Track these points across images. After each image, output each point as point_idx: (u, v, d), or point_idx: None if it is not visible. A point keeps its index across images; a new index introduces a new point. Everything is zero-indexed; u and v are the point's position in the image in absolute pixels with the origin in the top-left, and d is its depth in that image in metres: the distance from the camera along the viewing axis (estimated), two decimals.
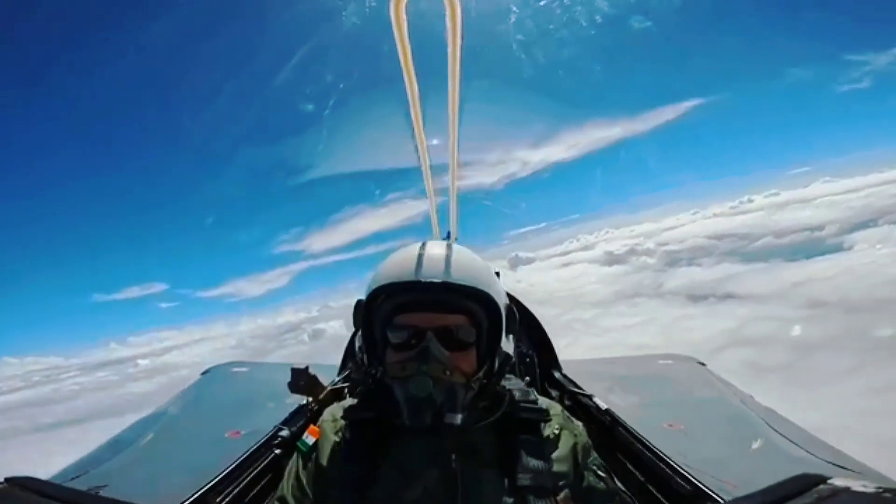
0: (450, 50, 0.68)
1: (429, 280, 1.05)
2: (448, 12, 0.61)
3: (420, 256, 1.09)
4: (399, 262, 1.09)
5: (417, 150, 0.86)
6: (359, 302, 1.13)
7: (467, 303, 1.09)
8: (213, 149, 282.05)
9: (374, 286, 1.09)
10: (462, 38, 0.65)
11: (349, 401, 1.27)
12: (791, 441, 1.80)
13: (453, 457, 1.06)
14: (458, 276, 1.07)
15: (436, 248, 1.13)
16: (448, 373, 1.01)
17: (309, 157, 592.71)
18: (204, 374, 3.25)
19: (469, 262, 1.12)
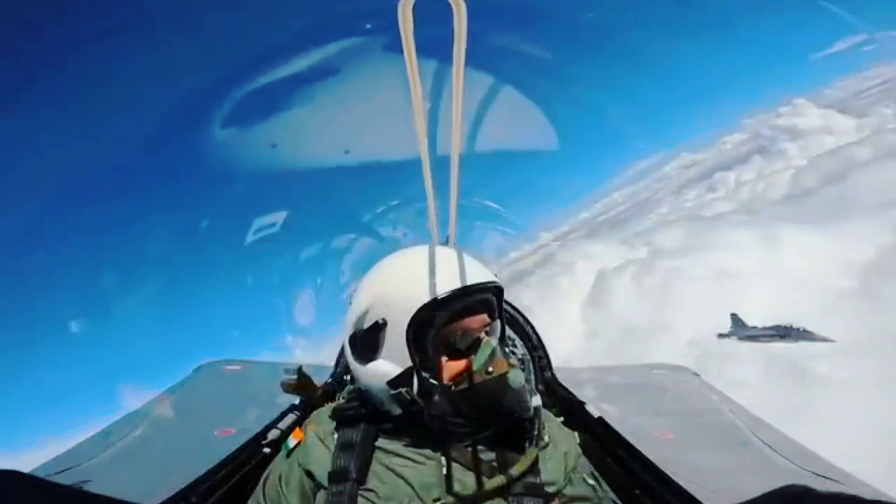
0: (455, 50, 0.69)
1: (475, 284, 1.09)
2: (454, 11, 0.62)
3: (450, 262, 1.11)
4: (439, 271, 1.08)
5: (420, 150, 0.87)
6: (378, 322, 1.07)
7: (495, 302, 1.16)
8: None
9: (419, 300, 1.04)
10: (466, 40, 0.66)
11: (339, 402, 1.26)
12: (779, 453, 1.81)
13: (443, 460, 1.06)
14: (491, 277, 1.14)
15: (453, 253, 1.15)
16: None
17: None
18: (195, 370, 3.22)
19: (483, 265, 1.17)
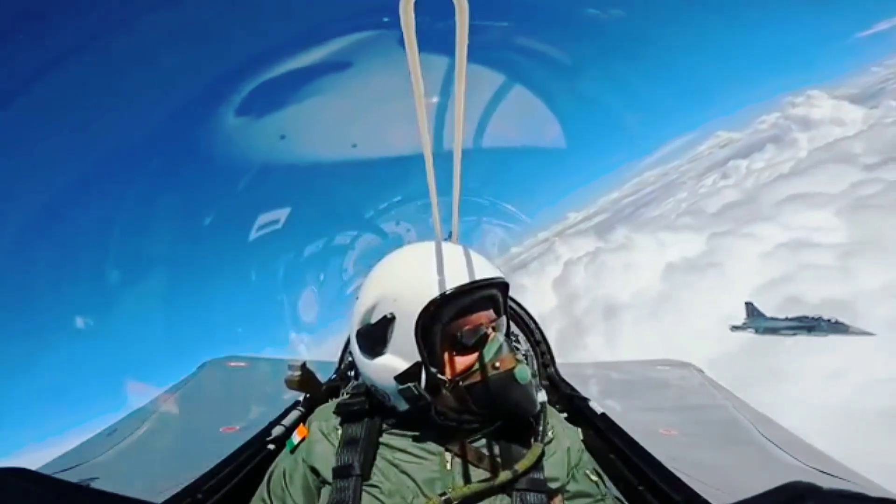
0: (457, 46, 0.68)
1: (483, 280, 1.09)
2: (456, 7, 0.61)
3: (458, 258, 1.11)
4: (447, 267, 1.08)
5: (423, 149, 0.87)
6: (386, 317, 1.07)
7: (500, 298, 1.16)
8: None
9: (427, 295, 1.04)
10: (469, 35, 0.66)
11: (343, 398, 1.27)
12: (782, 449, 1.81)
13: (447, 456, 1.06)
14: (497, 274, 1.14)
15: (459, 249, 1.15)
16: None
17: None
18: (199, 367, 3.24)
19: (488, 261, 1.17)
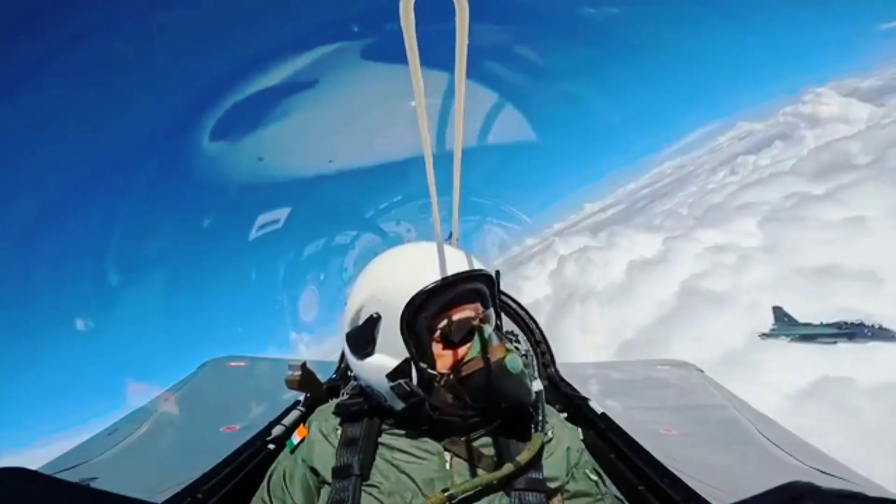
0: (457, 48, 0.68)
1: (463, 273, 1.10)
2: (456, 9, 0.61)
3: (446, 254, 1.11)
4: (428, 263, 1.09)
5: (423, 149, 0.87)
6: (372, 317, 1.08)
7: (487, 291, 1.17)
8: None
9: (410, 291, 1.05)
10: (468, 38, 0.66)
11: (343, 398, 1.27)
12: (782, 449, 1.81)
13: (447, 456, 1.06)
14: (480, 266, 1.15)
15: (444, 247, 1.15)
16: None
17: None
18: (200, 367, 3.24)
19: (474, 257, 1.18)
